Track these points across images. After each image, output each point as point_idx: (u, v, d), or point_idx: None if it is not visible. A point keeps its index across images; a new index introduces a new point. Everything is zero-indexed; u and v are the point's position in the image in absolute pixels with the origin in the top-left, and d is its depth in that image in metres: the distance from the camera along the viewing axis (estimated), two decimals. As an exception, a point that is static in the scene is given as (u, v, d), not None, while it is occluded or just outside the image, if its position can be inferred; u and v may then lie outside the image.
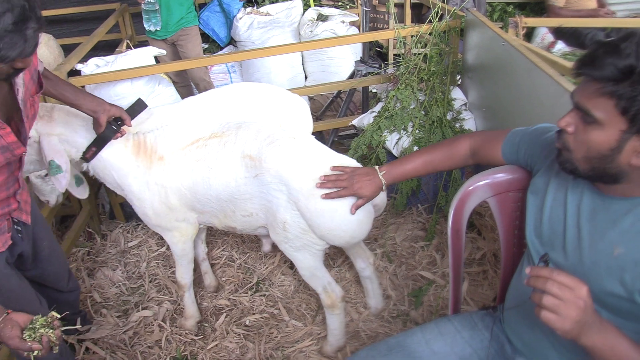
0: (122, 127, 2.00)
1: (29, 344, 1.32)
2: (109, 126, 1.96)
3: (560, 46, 4.24)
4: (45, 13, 5.30)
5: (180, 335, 2.43)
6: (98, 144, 2.01)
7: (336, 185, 1.72)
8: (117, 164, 2.07)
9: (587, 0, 4.34)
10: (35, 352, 1.33)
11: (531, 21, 3.59)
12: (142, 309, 2.59)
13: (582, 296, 0.96)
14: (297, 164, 1.86)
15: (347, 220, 1.82)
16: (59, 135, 1.98)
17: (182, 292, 2.42)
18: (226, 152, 1.98)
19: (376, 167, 1.70)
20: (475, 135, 1.60)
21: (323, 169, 1.84)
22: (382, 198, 2.02)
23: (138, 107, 2.05)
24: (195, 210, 2.13)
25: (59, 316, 1.41)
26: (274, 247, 2.74)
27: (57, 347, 1.39)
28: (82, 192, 2.19)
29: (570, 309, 0.95)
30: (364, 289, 2.47)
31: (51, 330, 1.36)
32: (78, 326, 2.36)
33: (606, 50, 1.02)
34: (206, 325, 2.49)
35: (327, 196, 1.73)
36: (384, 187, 1.69)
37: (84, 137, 2.03)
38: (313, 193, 1.80)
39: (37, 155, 1.99)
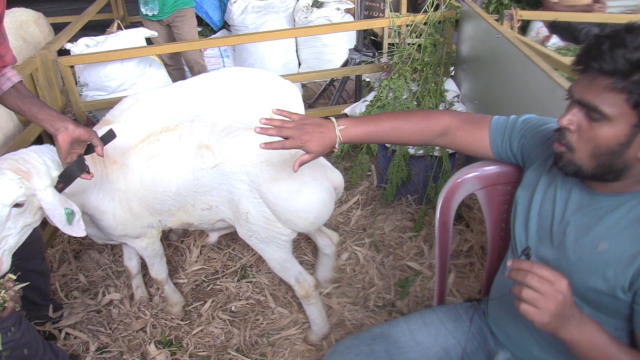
0: (90, 169, 1.70)
1: None
2: (80, 160, 1.66)
3: (555, 40, 4.23)
4: (36, -10, 5.21)
5: (165, 320, 2.42)
6: (65, 180, 1.66)
7: (281, 133, 1.33)
8: (79, 185, 1.79)
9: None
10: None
11: (526, 14, 3.58)
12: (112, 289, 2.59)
13: (562, 290, 0.96)
14: (257, 152, 1.86)
15: (310, 201, 1.85)
16: (53, 180, 1.63)
17: (161, 286, 2.37)
18: (182, 144, 1.93)
19: (333, 118, 1.39)
20: (454, 115, 1.45)
21: (282, 157, 1.84)
22: (339, 180, 2.02)
23: (108, 137, 1.73)
24: (155, 212, 2.05)
25: (14, 277, 1.45)
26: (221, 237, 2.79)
27: (18, 305, 1.43)
28: (79, 229, 1.68)
29: (549, 302, 0.95)
30: (318, 260, 2.49)
31: (4, 291, 1.41)
32: (51, 313, 2.35)
33: (613, 43, 0.99)
34: (192, 310, 2.48)
35: (267, 145, 1.35)
36: (337, 145, 1.37)
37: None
38: (275, 177, 1.81)
39: (30, 218, 1.60)
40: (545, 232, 1.23)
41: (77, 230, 1.66)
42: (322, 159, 2.01)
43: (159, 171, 1.93)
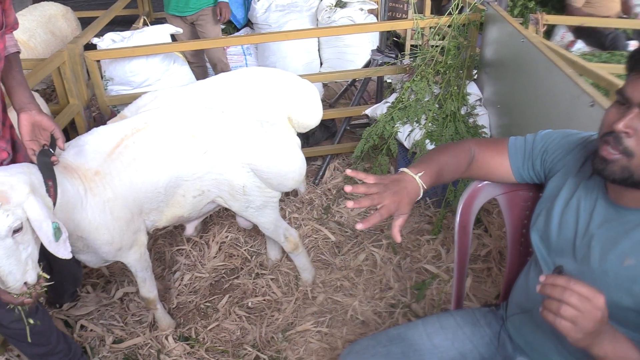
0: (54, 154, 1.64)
1: (21, 299, 1.44)
2: (43, 149, 1.61)
3: (580, 46, 4.20)
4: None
5: (182, 313, 2.45)
6: (47, 173, 1.57)
7: (373, 202, 1.23)
8: (67, 198, 1.71)
9: (611, 2, 4.28)
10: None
11: (552, 19, 3.55)
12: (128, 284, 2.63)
13: (600, 307, 0.93)
14: (241, 130, 2.06)
15: (293, 162, 2.15)
16: (32, 187, 1.48)
17: (153, 306, 2.27)
18: (163, 140, 1.96)
19: (406, 170, 1.32)
20: (475, 140, 1.46)
21: (265, 133, 2.09)
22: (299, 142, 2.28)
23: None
24: (143, 212, 2.03)
25: (47, 276, 1.50)
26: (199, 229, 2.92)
27: (35, 304, 1.50)
28: (65, 250, 1.52)
29: (588, 320, 0.93)
30: (267, 240, 2.68)
31: (31, 289, 1.46)
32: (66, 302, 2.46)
33: None
34: (209, 305, 2.51)
35: (366, 224, 1.19)
36: (421, 192, 1.31)
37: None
38: (262, 150, 2.05)
39: (30, 239, 1.48)
40: (568, 244, 1.21)
41: (64, 250, 1.51)
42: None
43: (147, 171, 1.93)
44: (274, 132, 2.15)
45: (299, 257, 2.50)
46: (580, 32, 4.23)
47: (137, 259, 2.09)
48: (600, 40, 4.10)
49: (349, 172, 1.30)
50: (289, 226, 2.41)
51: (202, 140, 2.00)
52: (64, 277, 2.26)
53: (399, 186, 1.27)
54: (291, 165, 2.14)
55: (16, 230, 1.41)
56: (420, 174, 1.30)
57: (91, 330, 2.37)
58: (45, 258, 1.99)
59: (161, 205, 2.06)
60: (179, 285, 2.63)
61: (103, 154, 1.89)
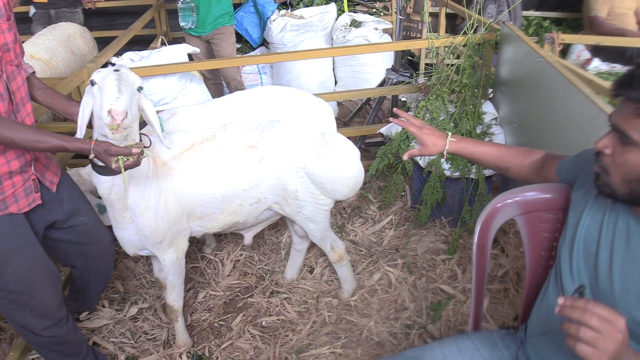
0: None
1: (127, 149, 1.60)
2: None
3: (596, 64, 4.17)
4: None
5: (195, 331, 2.44)
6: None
7: (412, 120, 1.69)
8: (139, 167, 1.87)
9: (628, 17, 4.26)
10: (128, 159, 1.61)
11: (568, 38, 3.53)
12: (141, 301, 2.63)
13: (621, 329, 0.92)
14: (297, 136, 2.13)
15: (350, 168, 2.17)
16: None
17: (175, 317, 2.30)
18: (225, 150, 2.10)
19: (449, 133, 1.67)
20: (546, 152, 1.58)
21: (318, 138, 2.16)
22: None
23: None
24: (194, 217, 2.13)
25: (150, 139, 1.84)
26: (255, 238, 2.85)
27: (142, 159, 1.67)
28: (169, 139, 2.05)
29: (609, 342, 0.91)
30: (290, 258, 2.70)
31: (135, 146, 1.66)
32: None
33: None
34: (222, 323, 2.50)
35: (396, 121, 1.74)
36: (445, 153, 1.66)
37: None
38: (317, 154, 2.10)
39: (136, 109, 1.82)
40: (591, 258, 1.20)
41: (168, 140, 1.99)
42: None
43: (208, 177, 2.07)
44: (331, 139, 2.19)
45: (342, 269, 2.52)
46: (596, 50, 4.21)
47: (172, 261, 2.16)
48: (618, 52, 4.08)
49: (395, 110, 1.79)
50: (337, 237, 2.44)
51: (258, 149, 2.10)
52: (96, 273, 2.24)
53: (432, 131, 1.66)
54: (346, 172, 2.16)
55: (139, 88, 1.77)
56: (453, 139, 1.63)
57: (104, 347, 2.37)
58: (83, 256, 2.12)
59: (216, 212, 2.15)
60: (193, 303, 2.62)
61: (175, 152, 2.08)
